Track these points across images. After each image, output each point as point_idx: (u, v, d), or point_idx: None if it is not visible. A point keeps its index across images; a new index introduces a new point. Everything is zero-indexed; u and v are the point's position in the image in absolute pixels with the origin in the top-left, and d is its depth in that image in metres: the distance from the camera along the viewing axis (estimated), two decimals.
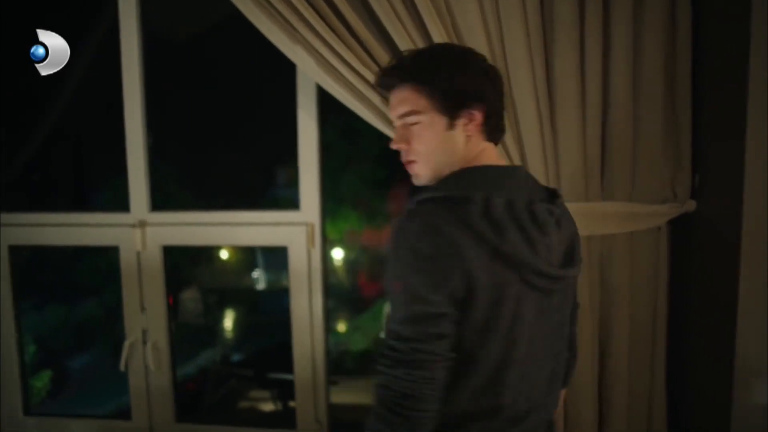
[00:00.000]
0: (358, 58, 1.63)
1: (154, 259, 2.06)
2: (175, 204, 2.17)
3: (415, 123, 1.15)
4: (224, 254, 2.52)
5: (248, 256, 2.55)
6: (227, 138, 2.31)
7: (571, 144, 1.63)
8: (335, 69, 1.64)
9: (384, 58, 1.64)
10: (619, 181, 1.66)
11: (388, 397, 1.05)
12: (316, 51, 1.64)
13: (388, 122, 1.65)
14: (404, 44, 1.60)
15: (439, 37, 1.59)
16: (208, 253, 2.47)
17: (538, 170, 1.61)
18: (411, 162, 1.19)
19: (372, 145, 1.79)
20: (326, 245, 2.15)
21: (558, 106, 1.63)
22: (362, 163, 2.34)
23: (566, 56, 1.61)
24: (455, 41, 1.62)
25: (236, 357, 2.72)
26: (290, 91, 1.94)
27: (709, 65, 1.65)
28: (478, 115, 1.13)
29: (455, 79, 1.12)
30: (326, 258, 2.12)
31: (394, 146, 1.20)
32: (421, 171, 1.18)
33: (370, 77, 1.62)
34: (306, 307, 2.03)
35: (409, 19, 1.61)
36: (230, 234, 2.08)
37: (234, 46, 2.18)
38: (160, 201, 2.11)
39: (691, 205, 1.69)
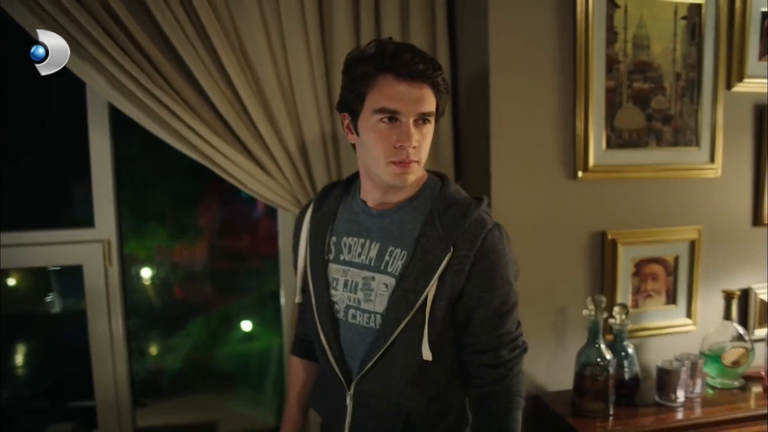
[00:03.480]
0: (150, 78, 1.65)
1: None
2: None
3: (428, 124, 1.19)
4: (11, 281, 2.32)
5: (42, 279, 2.37)
6: (16, 154, 2.14)
7: (352, 155, 1.82)
8: (126, 88, 1.64)
9: (176, 78, 1.68)
10: None
11: (522, 386, 1.27)
12: (107, 70, 1.63)
13: (182, 139, 1.70)
14: (195, 64, 1.68)
15: (227, 58, 1.69)
16: None
17: (322, 179, 1.78)
18: (414, 162, 1.18)
19: (180, 157, 1.77)
20: (128, 263, 2.11)
21: (338, 121, 1.81)
22: (169, 176, 2.26)
23: None
24: (243, 63, 1.73)
25: (31, 390, 2.51)
26: (83, 105, 1.90)
27: (462, 86, 1.97)
28: None
29: (448, 98, 1.26)
30: (126, 276, 2.08)
31: (413, 144, 1.15)
32: (417, 172, 1.21)
33: (162, 96, 1.65)
34: (105, 327, 1.98)
35: (200, 42, 1.68)
36: (17, 256, 1.95)
37: (20, 54, 2.03)
38: None
39: None
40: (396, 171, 1.17)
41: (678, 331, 2.02)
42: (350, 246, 1.28)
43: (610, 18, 1.84)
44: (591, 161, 1.88)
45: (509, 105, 1.80)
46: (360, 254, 1.27)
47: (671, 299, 2.02)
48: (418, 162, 1.19)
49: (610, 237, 1.93)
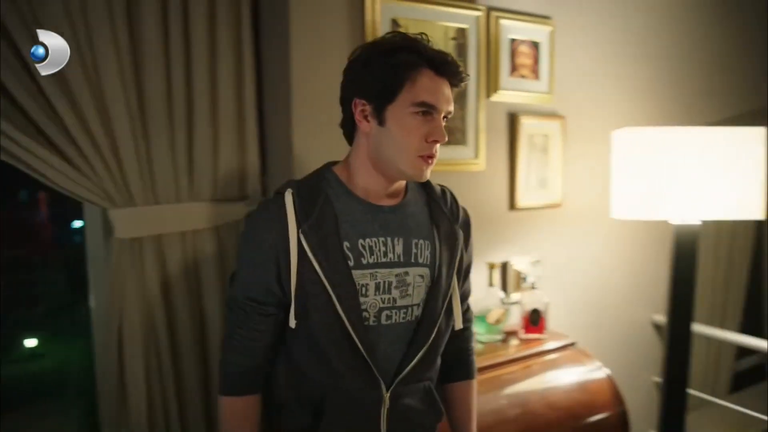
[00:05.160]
0: None
1: None
2: None
3: (445, 123, 1.21)
4: None
5: None
6: None
7: (163, 147, 1.90)
8: None
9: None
10: (202, 184, 1.99)
11: None
12: None
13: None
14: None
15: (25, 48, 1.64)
16: None
17: (133, 170, 1.83)
18: (434, 156, 1.20)
19: None
20: None
21: (149, 121, 1.88)
22: None
23: (155, 81, 1.87)
24: None
25: None
26: None
27: (267, 88, 2.14)
28: None
29: None
30: None
31: (445, 140, 1.19)
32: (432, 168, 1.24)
33: None
34: None
35: None
36: None
37: None
38: None
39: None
40: (422, 165, 1.19)
41: None
42: (370, 248, 1.22)
43: None
44: None
45: (309, 108, 1.99)
46: (386, 253, 1.23)
47: None
48: (436, 156, 1.22)
49: None
